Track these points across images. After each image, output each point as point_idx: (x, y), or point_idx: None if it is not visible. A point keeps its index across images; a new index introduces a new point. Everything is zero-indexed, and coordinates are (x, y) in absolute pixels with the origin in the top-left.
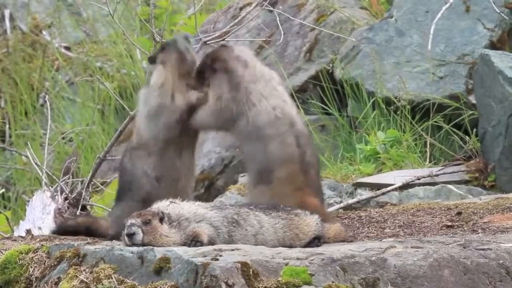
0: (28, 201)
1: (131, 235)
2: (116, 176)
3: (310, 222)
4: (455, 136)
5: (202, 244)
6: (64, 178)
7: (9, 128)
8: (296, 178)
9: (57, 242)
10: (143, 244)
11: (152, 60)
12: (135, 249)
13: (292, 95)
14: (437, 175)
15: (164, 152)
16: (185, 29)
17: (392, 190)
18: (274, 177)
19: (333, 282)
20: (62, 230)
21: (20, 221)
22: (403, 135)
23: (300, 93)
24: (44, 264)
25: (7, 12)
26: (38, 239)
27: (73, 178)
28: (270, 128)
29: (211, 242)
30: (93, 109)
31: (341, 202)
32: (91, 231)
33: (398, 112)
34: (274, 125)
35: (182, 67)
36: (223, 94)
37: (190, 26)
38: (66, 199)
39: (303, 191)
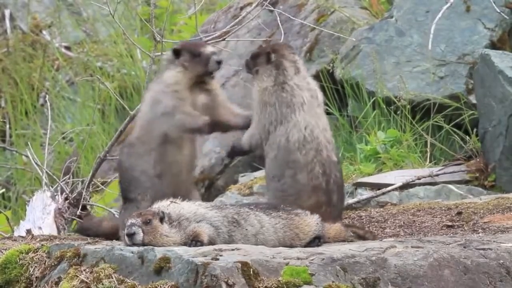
0: (29, 201)
1: (131, 235)
2: (117, 176)
3: (310, 222)
4: (456, 136)
5: (202, 244)
6: (64, 178)
7: (10, 128)
8: (319, 210)
9: (57, 242)
10: (143, 244)
11: (176, 53)
12: (135, 249)
13: None
14: (437, 175)
15: (165, 148)
16: (186, 29)
17: (393, 190)
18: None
19: (333, 282)
20: (84, 231)
21: (21, 221)
22: (404, 135)
23: None
24: (45, 264)
25: (7, 12)
26: (38, 239)
27: (73, 178)
28: (299, 151)
29: (211, 242)
30: (93, 109)
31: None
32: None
33: (398, 112)
34: (304, 148)
35: (201, 71)
36: (268, 86)
37: (191, 26)
38: (66, 199)
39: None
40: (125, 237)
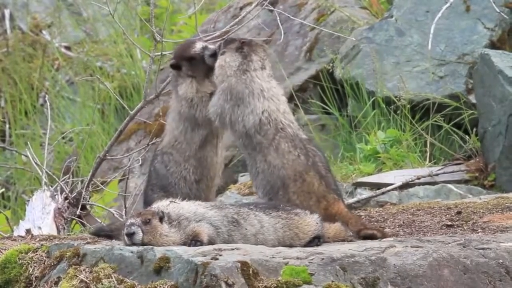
0: (28, 200)
1: (130, 235)
2: (116, 176)
3: (310, 222)
4: (455, 135)
5: (202, 243)
6: (64, 178)
7: (9, 127)
8: (313, 187)
9: (56, 242)
10: (142, 244)
11: (175, 67)
12: (134, 248)
13: (292, 95)
14: (437, 175)
15: (202, 154)
16: (185, 29)
17: (392, 189)
18: (290, 192)
19: (333, 281)
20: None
21: (20, 220)
22: (403, 135)
23: (300, 93)
24: (44, 263)
25: (7, 12)
26: (38, 239)
27: (73, 177)
28: (259, 133)
29: (211, 242)
30: (93, 108)
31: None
32: None
33: (398, 112)
34: (262, 130)
35: (205, 70)
36: (227, 69)
37: (190, 25)
38: (66, 198)
39: (326, 199)
40: (125, 236)
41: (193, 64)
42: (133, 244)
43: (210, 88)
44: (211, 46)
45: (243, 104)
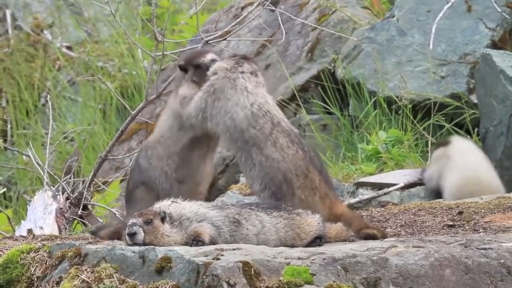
0: (30, 200)
1: (132, 235)
2: (118, 176)
3: (311, 222)
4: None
5: (203, 243)
6: (65, 178)
7: (11, 127)
8: (315, 183)
9: (58, 242)
10: (144, 244)
11: (182, 69)
12: (136, 248)
13: (294, 95)
14: None
15: (188, 155)
16: (187, 29)
17: (395, 190)
18: (294, 187)
19: (334, 281)
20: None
21: (22, 220)
22: (405, 135)
23: (301, 93)
24: (46, 263)
25: (8, 12)
26: (40, 239)
27: (74, 177)
28: (253, 127)
29: (213, 242)
30: (94, 108)
31: (343, 202)
32: None
33: (399, 112)
34: (257, 123)
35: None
36: (219, 71)
37: (192, 25)
38: (67, 198)
39: (329, 197)
40: (126, 236)
41: (198, 72)
42: (135, 244)
43: None
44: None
45: (224, 97)
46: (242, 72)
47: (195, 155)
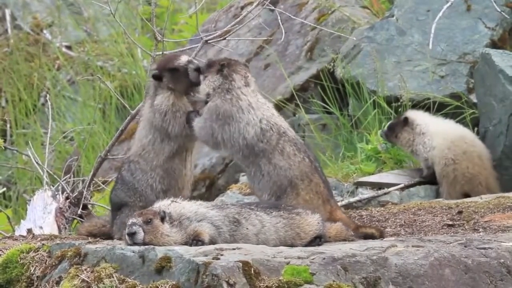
0: (29, 200)
1: (132, 234)
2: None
3: (311, 221)
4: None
5: (203, 243)
6: (65, 177)
7: (10, 127)
8: (320, 188)
9: (58, 242)
10: (144, 243)
11: (156, 78)
12: (136, 248)
13: (293, 94)
14: None
15: (170, 165)
16: (186, 28)
17: (395, 189)
18: (299, 188)
19: (334, 281)
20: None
21: (21, 220)
22: None
23: (301, 92)
24: (45, 263)
25: (8, 12)
26: (39, 239)
27: (74, 177)
28: (261, 142)
29: (212, 242)
30: (94, 108)
31: (342, 201)
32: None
33: (399, 111)
34: (264, 137)
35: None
36: (210, 91)
37: (191, 25)
38: (67, 198)
39: (330, 203)
40: (126, 236)
41: (175, 76)
42: (135, 243)
43: (187, 105)
44: (196, 61)
45: (234, 121)
46: (239, 88)
47: (176, 162)
